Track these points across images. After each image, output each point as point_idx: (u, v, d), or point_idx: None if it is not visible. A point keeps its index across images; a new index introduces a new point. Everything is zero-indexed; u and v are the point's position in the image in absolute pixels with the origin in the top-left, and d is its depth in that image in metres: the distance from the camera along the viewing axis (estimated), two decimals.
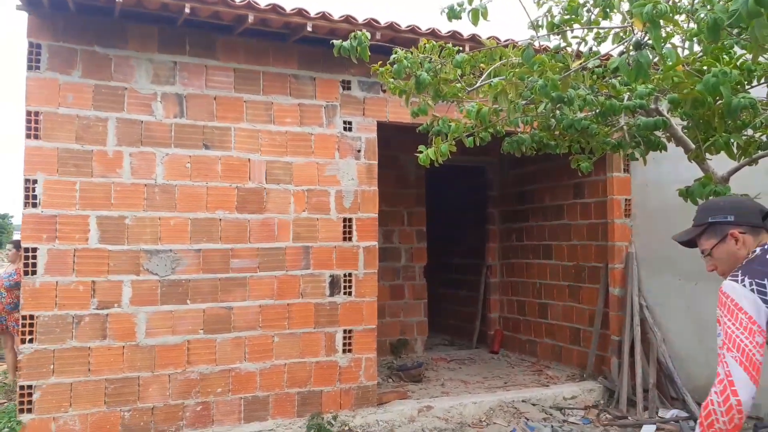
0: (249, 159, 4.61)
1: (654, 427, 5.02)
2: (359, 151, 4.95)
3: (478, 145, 3.26)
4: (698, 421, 1.88)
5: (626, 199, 6.12)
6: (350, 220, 4.91)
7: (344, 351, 4.86)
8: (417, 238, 7.43)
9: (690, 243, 2.16)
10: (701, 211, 2.15)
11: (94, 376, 4.13)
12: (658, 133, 3.26)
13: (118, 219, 4.24)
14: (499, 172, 7.90)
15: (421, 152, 3.08)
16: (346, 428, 4.75)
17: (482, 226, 8.07)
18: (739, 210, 2.07)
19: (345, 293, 4.88)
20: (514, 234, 7.64)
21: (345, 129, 4.91)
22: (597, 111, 2.80)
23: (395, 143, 6.58)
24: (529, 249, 7.35)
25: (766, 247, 2.01)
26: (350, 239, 4.91)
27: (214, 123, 4.52)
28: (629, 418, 5.29)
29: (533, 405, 5.50)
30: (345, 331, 4.87)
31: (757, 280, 1.92)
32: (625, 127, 2.90)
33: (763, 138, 2.91)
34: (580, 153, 4.06)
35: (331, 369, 4.81)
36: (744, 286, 1.94)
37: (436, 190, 8.30)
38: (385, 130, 5.14)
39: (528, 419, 5.20)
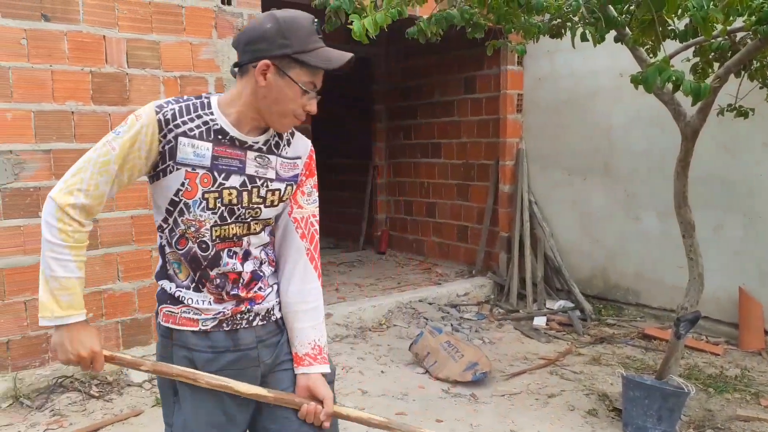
0: (104, 36, 3.71)
1: (544, 318, 5.19)
2: (240, 30, 4.19)
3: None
4: None
5: (519, 94, 5.98)
6: None
7: None
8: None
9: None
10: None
11: None
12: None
13: None
14: (385, 65, 7.41)
15: (352, 22, 2.54)
16: None
17: (368, 123, 7.64)
18: None
19: None
20: (401, 132, 7.32)
21: (223, 2, 4.12)
22: None
23: None
24: (418, 148, 7.10)
25: None
26: None
27: None
28: (520, 311, 5.42)
29: (429, 304, 5.46)
30: None
31: None
32: (581, 0, 2.56)
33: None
34: (499, 38, 3.73)
35: None
36: None
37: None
38: (264, 7, 4.38)
39: (427, 319, 5.13)
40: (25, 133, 3.50)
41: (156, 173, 1.50)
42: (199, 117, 1.50)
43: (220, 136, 1.51)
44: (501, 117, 5.99)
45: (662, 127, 4.74)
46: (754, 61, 3.48)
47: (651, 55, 3.29)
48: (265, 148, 1.56)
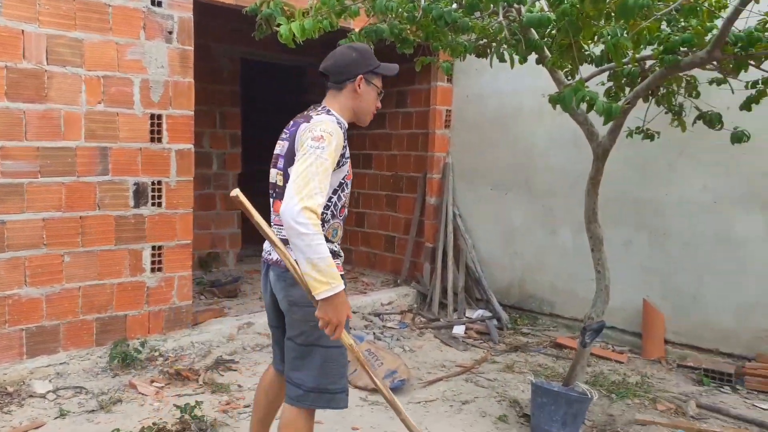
0: (23, 30, 3.56)
1: (463, 327, 5.33)
2: (171, 32, 4.12)
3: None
4: None
5: (447, 110, 6.15)
6: (159, 117, 4.15)
7: (153, 270, 4.23)
8: (231, 142, 6.75)
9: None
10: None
11: None
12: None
13: None
14: (319, 75, 7.42)
15: (280, 25, 2.57)
16: (157, 353, 4.23)
17: None
18: None
19: (154, 204, 4.19)
20: None
21: (153, 3, 4.04)
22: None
23: (206, 30, 5.73)
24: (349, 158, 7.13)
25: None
26: (159, 140, 4.17)
27: None
28: (441, 320, 5.55)
29: (354, 313, 5.49)
30: (154, 248, 4.22)
31: None
32: (504, 23, 2.68)
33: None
34: (429, 55, 3.83)
35: (138, 291, 4.18)
36: None
37: (251, 90, 7.58)
38: (196, 13, 4.32)
39: (350, 327, 5.15)
40: None
41: (338, 165, 2.15)
42: (344, 128, 2.21)
43: (346, 135, 2.23)
44: (430, 131, 6.14)
45: (579, 147, 4.99)
46: (661, 88, 3.74)
47: (569, 78, 3.47)
48: None
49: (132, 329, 4.18)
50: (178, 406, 3.31)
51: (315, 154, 2.02)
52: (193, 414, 3.28)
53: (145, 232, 4.17)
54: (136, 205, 4.11)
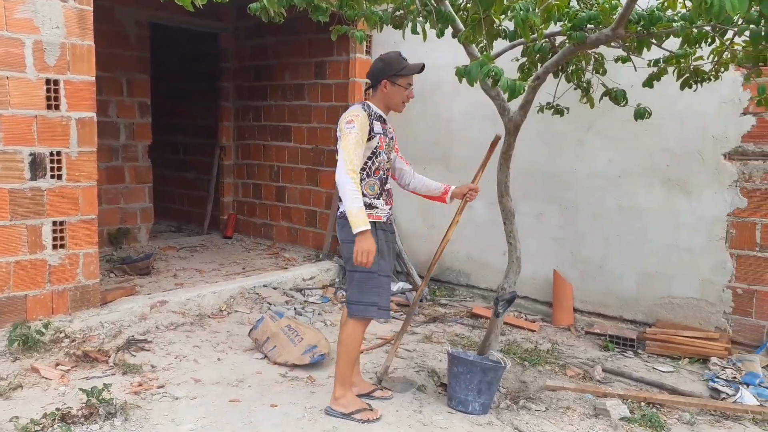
0: None
1: None
2: None
3: None
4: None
5: (367, 82, 6.06)
6: (57, 82, 3.85)
7: (55, 247, 3.97)
8: (140, 111, 6.40)
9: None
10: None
11: None
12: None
13: None
14: (234, 42, 7.15)
15: None
16: (62, 335, 4.00)
17: (215, 102, 7.34)
18: None
19: (53, 177, 3.91)
20: (251, 113, 7.13)
21: None
22: None
23: None
24: (268, 130, 6.97)
25: None
26: (57, 108, 3.88)
27: None
28: None
29: (274, 289, 5.41)
30: (55, 223, 3.95)
31: None
32: None
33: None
34: (346, 25, 3.74)
35: (38, 269, 3.91)
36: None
37: (162, 57, 7.19)
38: None
39: (270, 304, 5.08)
40: None
41: (368, 139, 3.00)
42: (373, 113, 3.09)
43: (381, 119, 3.14)
44: (350, 105, 6.05)
45: (495, 123, 5.06)
46: (570, 64, 3.85)
47: (485, 53, 3.49)
48: (388, 122, 3.20)
49: (33, 310, 3.92)
50: (84, 390, 3.14)
51: (349, 132, 2.93)
52: (101, 398, 3.13)
53: (44, 206, 3.89)
54: (33, 178, 3.82)
